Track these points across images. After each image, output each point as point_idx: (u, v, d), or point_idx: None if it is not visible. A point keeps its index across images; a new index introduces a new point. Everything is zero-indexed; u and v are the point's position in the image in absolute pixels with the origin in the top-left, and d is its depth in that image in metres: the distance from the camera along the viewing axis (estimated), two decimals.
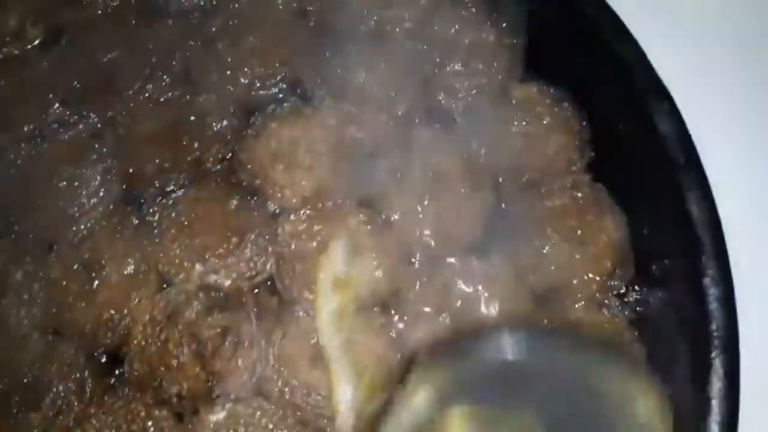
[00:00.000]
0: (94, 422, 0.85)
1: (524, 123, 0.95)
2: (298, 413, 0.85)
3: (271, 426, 0.84)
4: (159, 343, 0.87)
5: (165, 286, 0.91)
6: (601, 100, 0.92)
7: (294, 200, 0.94)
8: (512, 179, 0.94)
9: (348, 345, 0.85)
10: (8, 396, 0.86)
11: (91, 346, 0.89)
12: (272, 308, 0.90)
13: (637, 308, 0.87)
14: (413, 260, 0.91)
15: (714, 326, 0.76)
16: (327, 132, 0.97)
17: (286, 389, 0.85)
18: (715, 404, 0.73)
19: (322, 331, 0.85)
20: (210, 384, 0.85)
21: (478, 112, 0.97)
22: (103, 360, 0.89)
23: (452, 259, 0.90)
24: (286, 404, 0.85)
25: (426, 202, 0.92)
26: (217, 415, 0.85)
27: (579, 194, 0.91)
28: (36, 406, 0.85)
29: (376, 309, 0.88)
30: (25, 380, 0.87)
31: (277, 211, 0.94)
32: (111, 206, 0.95)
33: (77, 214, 0.94)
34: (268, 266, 0.91)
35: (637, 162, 0.88)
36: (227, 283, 0.90)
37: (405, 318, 0.87)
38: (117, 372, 0.88)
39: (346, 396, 0.83)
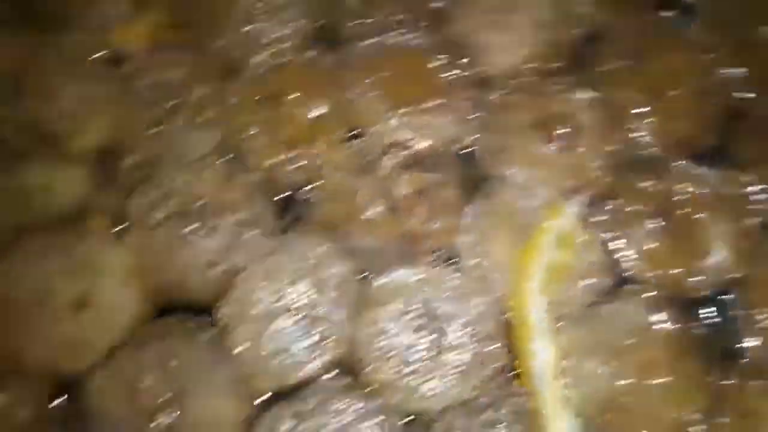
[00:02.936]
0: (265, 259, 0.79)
1: None
2: (488, 289, 0.77)
3: (456, 296, 0.77)
4: (349, 192, 0.79)
5: (355, 134, 0.83)
6: None
7: (505, 67, 0.85)
8: None
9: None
10: (184, 216, 0.79)
11: (271, 183, 0.82)
12: (471, 177, 0.82)
13: None
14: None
15: None
16: None
17: (482, 262, 0.78)
18: None
19: (530, 289, 0.76)
20: (401, 244, 0.78)
21: None
22: (282, 198, 0.82)
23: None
24: (477, 278, 0.78)
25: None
26: (404, 278, 0.77)
27: None
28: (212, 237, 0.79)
29: None
30: (199, 203, 0.80)
31: (486, 77, 0.85)
32: (304, 40, 0.87)
33: (266, 41, 0.86)
34: (471, 134, 0.83)
35: None
36: (424, 143, 0.82)
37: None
38: (293, 215, 0.82)
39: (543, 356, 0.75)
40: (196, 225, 0.79)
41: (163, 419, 0.74)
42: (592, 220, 0.79)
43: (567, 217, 0.78)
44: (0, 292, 0.78)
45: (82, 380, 0.76)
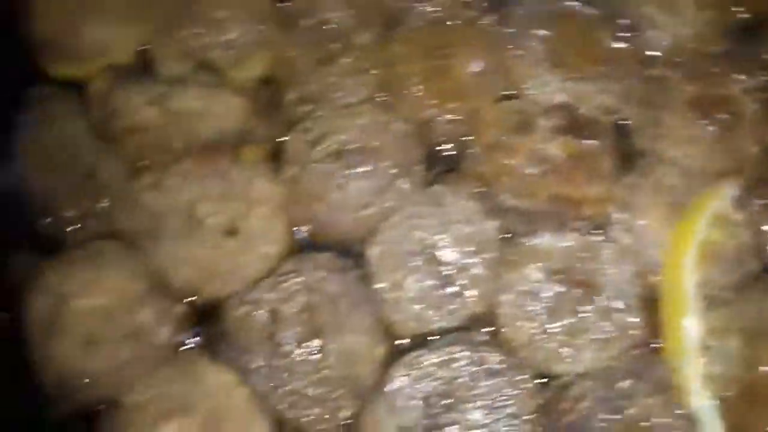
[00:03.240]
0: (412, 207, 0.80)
1: None
2: (636, 262, 0.78)
3: (602, 266, 0.77)
4: (502, 151, 0.80)
5: (513, 94, 0.83)
6: None
7: (668, 45, 0.84)
8: None
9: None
10: (338, 157, 0.80)
11: (425, 134, 0.82)
12: (626, 149, 0.82)
13: None
14: None
15: None
16: None
17: (632, 234, 0.78)
18: None
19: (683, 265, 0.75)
20: (550, 207, 0.78)
21: None
22: (435, 150, 0.83)
23: None
24: (625, 249, 0.78)
25: None
26: (551, 242, 0.78)
27: None
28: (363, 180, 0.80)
29: None
30: (354, 146, 0.81)
31: (649, 52, 0.85)
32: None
33: None
34: (629, 107, 0.83)
35: None
36: (582, 110, 0.82)
37: None
38: (444, 167, 0.83)
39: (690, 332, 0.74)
40: (349, 167, 0.80)
41: (301, 351, 0.76)
42: (746, 204, 0.78)
43: (721, 198, 0.77)
44: (154, 212, 0.80)
45: (225, 306, 0.78)
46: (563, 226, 0.78)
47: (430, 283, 0.78)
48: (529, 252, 0.78)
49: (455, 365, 0.75)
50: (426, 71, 0.83)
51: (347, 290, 0.78)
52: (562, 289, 0.77)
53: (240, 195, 0.80)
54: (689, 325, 0.73)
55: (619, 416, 0.73)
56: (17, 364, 0.77)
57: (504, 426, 0.74)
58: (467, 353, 0.76)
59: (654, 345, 0.76)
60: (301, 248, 0.81)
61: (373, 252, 0.79)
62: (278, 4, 0.86)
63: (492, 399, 0.74)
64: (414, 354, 0.76)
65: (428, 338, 0.78)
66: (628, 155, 0.82)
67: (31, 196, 0.82)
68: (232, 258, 0.79)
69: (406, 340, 0.78)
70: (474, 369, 0.75)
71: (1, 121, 0.84)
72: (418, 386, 0.75)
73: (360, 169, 0.80)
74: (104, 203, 0.81)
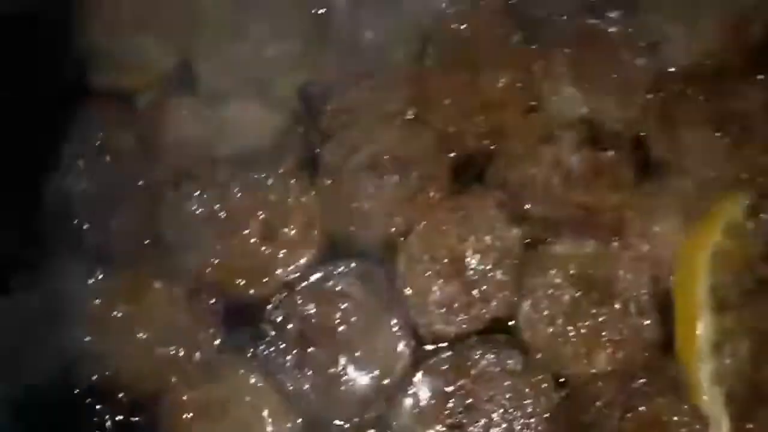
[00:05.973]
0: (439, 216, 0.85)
1: None
2: (652, 266, 0.82)
3: (620, 270, 0.81)
4: (526, 161, 0.84)
5: (537, 107, 0.88)
6: None
7: (686, 61, 0.88)
8: None
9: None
10: (370, 167, 0.85)
11: (452, 144, 0.87)
12: (644, 160, 0.86)
13: None
14: None
15: None
16: None
17: (649, 240, 0.82)
18: None
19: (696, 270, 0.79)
20: (571, 215, 0.83)
21: None
22: (461, 160, 0.88)
23: None
24: (641, 255, 0.82)
25: None
26: (571, 248, 0.82)
27: None
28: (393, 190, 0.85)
29: None
30: (386, 157, 0.86)
31: (667, 68, 0.88)
32: (496, 15, 0.90)
33: (459, 11, 0.90)
34: (647, 120, 0.86)
35: None
36: (602, 123, 0.86)
37: None
38: (469, 177, 0.87)
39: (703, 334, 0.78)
40: (381, 177, 0.85)
41: (330, 355, 0.81)
42: (760, 212, 0.81)
43: (736, 207, 0.81)
44: (194, 219, 0.85)
45: (259, 311, 0.84)
46: (583, 233, 0.83)
47: (454, 288, 0.83)
48: (550, 258, 0.83)
49: (477, 366, 0.80)
50: (456, 86, 0.87)
51: (376, 295, 0.83)
52: (580, 293, 0.81)
53: (279, 204, 0.85)
54: (701, 328, 0.77)
55: (631, 414, 0.78)
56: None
57: (522, 424, 0.79)
58: (489, 355, 0.80)
59: (667, 346, 0.80)
60: (333, 255, 0.86)
61: (402, 258, 0.84)
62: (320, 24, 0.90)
63: (511, 398, 0.79)
64: (438, 355, 0.81)
65: (452, 341, 0.82)
66: (646, 166, 0.86)
67: (78, 205, 0.87)
68: (267, 262, 0.84)
69: (431, 343, 0.83)
70: (495, 369, 0.80)
71: (49, 132, 0.89)
72: (440, 386, 0.80)
73: (391, 179, 0.85)
74: (147, 211, 0.87)
